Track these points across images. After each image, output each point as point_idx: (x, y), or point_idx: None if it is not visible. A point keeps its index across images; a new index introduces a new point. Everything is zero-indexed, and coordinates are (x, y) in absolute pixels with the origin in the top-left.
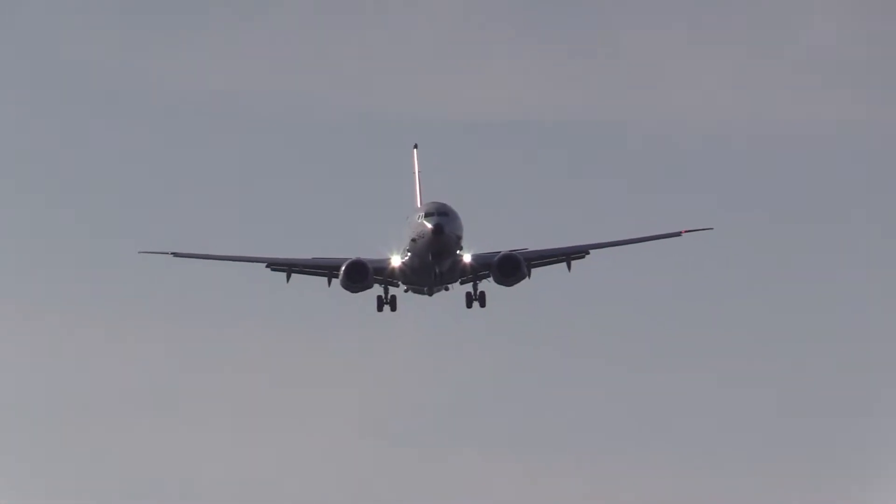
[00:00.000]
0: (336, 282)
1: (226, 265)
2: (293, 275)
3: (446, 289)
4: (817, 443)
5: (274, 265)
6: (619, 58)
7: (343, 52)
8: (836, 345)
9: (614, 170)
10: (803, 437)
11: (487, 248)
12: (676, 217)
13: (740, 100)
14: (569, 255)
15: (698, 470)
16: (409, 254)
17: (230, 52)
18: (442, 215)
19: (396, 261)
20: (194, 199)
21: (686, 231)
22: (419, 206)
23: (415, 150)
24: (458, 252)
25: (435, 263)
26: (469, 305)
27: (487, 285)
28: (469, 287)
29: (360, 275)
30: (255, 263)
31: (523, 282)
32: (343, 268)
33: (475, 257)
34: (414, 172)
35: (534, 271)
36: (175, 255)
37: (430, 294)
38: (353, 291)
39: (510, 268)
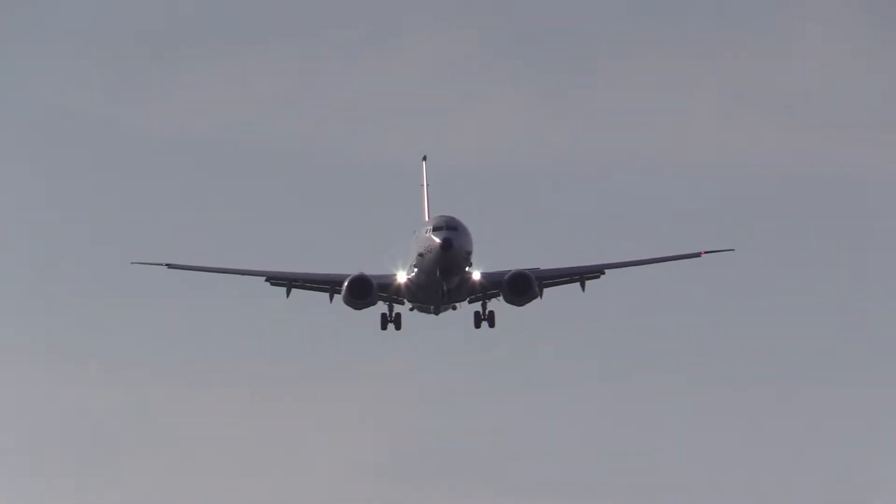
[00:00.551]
0: (338, 298)
1: (223, 278)
2: (293, 290)
3: (454, 308)
4: (840, 466)
5: (273, 279)
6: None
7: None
8: (861, 374)
9: (627, 192)
10: (826, 460)
11: (498, 266)
12: (696, 238)
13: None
14: (583, 275)
15: (718, 495)
16: (415, 269)
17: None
18: (451, 229)
19: (402, 277)
20: (192, 209)
21: (706, 252)
22: (427, 219)
23: (423, 161)
24: (467, 269)
25: (443, 280)
26: (477, 325)
27: (497, 305)
28: (478, 306)
29: (363, 291)
30: (253, 277)
31: (535, 302)
32: (346, 283)
33: (485, 275)
34: (422, 185)
35: (546, 291)
36: (169, 266)
37: (437, 313)
38: (356, 308)
39: (521, 286)
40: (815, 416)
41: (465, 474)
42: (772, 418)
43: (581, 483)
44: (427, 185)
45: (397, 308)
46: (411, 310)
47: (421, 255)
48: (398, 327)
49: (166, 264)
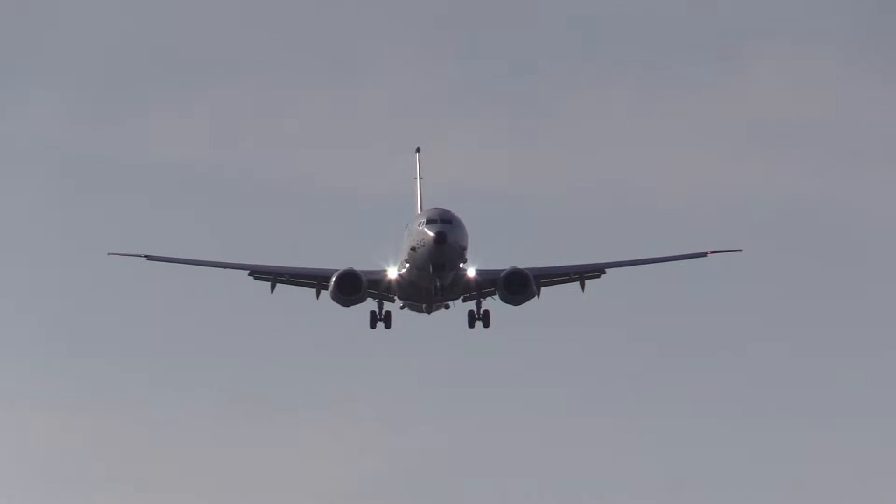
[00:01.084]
0: (325, 294)
1: (204, 272)
2: (278, 285)
3: (447, 306)
4: (847, 467)
5: (257, 273)
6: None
7: None
8: (872, 386)
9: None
10: (833, 462)
11: (493, 264)
12: (702, 238)
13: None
14: (583, 274)
15: (719, 496)
16: (407, 265)
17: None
18: (445, 223)
19: (393, 272)
20: (173, 201)
21: (712, 252)
22: (420, 212)
23: (417, 153)
24: (461, 265)
25: (436, 276)
26: (471, 325)
27: (492, 304)
28: (472, 305)
29: (352, 287)
30: (236, 271)
31: (531, 301)
32: (334, 278)
33: (480, 272)
34: (415, 177)
35: (544, 290)
36: (148, 258)
37: (429, 312)
38: (344, 305)
39: (518, 284)
40: (826, 421)
41: (456, 475)
42: (776, 428)
43: (569, 487)
44: (420, 177)
45: (387, 306)
46: (402, 308)
47: (413, 249)
48: (388, 326)
49: (145, 256)
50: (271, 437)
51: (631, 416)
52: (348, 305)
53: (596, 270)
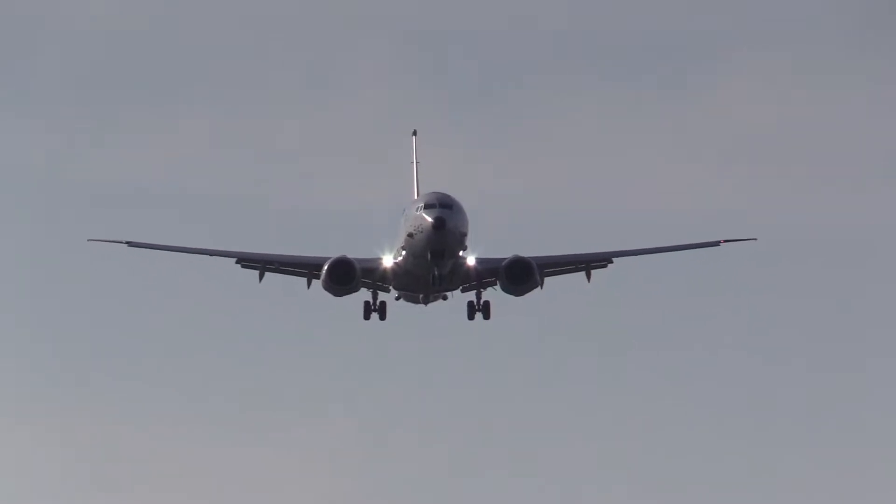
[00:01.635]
0: (317, 283)
1: (189, 259)
2: (267, 273)
3: (444, 297)
4: (858, 465)
5: (245, 261)
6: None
7: None
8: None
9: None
10: (844, 460)
11: (495, 252)
12: (715, 227)
13: None
14: (589, 263)
15: (730, 496)
16: (403, 252)
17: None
18: (445, 207)
19: (389, 261)
20: (154, 186)
21: (725, 241)
22: (417, 196)
23: (413, 136)
24: (461, 253)
25: (434, 264)
26: (471, 317)
27: (493, 294)
28: (472, 295)
29: (345, 275)
30: (223, 258)
31: (534, 291)
32: (326, 267)
33: (480, 261)
34: (412, 162)
35: (548, 280)
36: (130, 244)
37: (426, 303)
38: (336, 295)
39: (521, 274)
40: (838, 417)
41: (454, 473)
42: (787, 426)
43: (571, 483)
44: (416, 161)
45: (382, 296)
46: (397, 298)
47: (410, 235)
48: (382, 317)
49: (126, 242)
50: (257, 433)
51: (638, 412)
52: (341, 295)
53: (603, 259)
